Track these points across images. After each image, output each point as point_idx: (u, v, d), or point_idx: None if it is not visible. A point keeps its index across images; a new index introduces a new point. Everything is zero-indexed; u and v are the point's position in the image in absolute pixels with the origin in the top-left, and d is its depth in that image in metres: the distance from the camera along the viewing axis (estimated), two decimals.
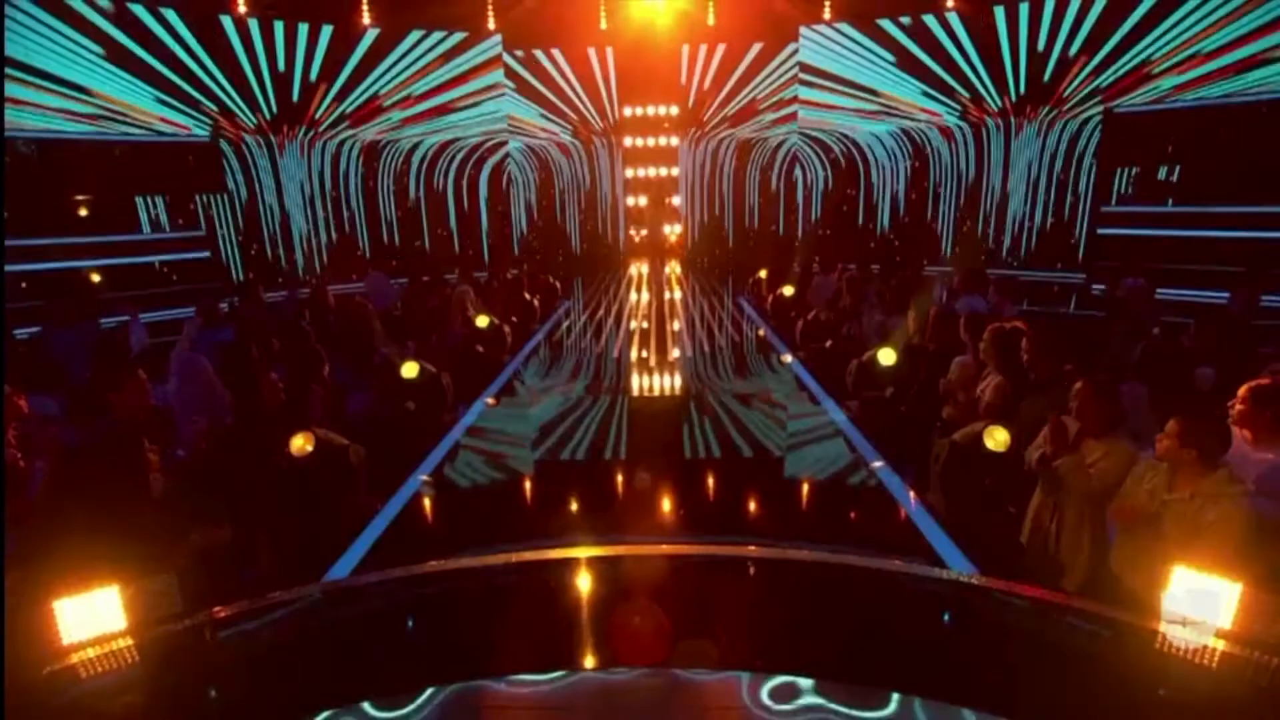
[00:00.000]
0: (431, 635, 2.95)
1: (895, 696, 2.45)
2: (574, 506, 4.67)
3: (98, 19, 9.44)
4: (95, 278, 9.90)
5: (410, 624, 3.06)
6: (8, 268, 8.69)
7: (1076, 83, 10.75)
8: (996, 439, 3.60)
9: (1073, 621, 2.81)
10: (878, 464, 4.96)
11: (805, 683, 2.56)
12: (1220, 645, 2.50)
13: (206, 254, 11.18)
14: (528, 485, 5.17)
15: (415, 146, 12.92)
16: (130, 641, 2.69)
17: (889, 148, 12.96)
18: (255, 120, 11.34)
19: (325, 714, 2.44)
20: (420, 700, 2.50)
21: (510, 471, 5.38)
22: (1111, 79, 10.40)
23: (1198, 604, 2.58)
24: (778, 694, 2.55)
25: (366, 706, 2.47)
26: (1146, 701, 2.36)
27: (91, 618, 2.71)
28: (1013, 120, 11.55)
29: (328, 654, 2.80)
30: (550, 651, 2.69)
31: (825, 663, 2.61)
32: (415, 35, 11.96)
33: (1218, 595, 2.57)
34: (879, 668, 2.60)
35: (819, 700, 2.49)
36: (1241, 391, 3.36)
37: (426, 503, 4.73)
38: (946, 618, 3.02)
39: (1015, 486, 3.78)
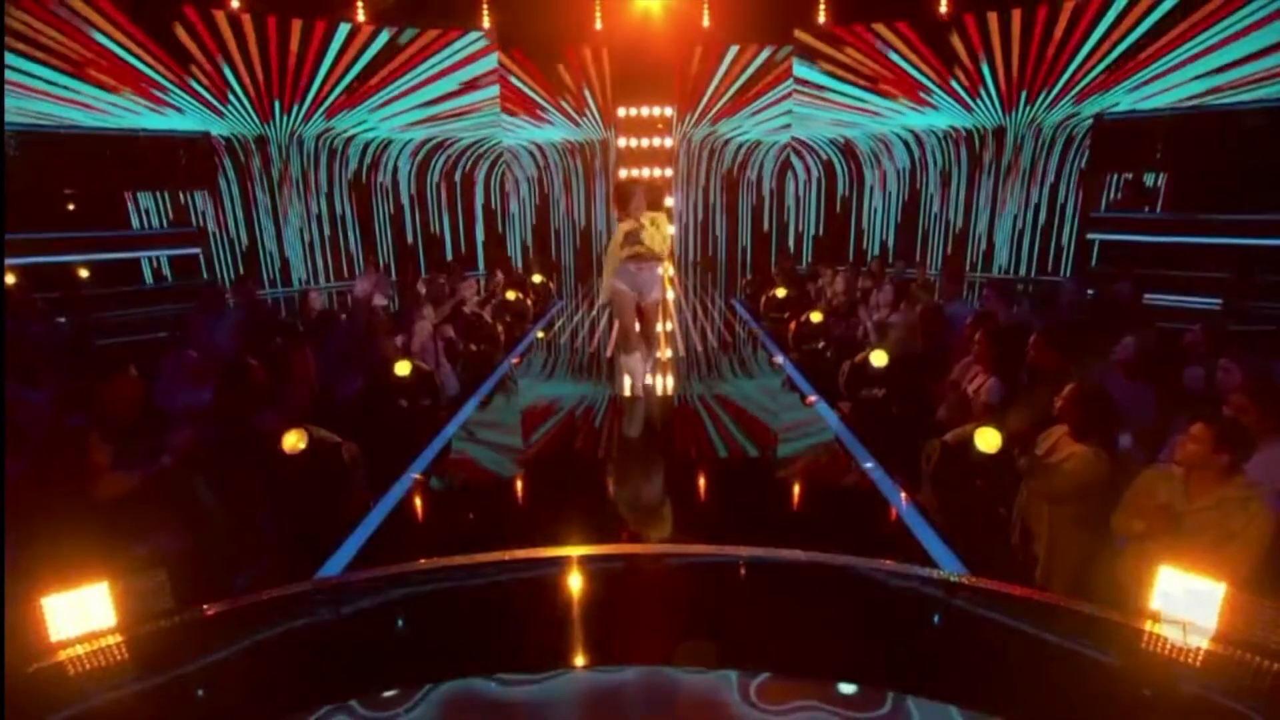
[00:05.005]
0: (425, 633, 2.95)
1: (888, 695, 2.47)
2: (564, 506, 4.67)
3: (89, 10, 9.38)
4: (83, 273, 9.84)
5: (403, 622, 3.06)
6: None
7: (1072, 87, 10.85)
8: (988, 440, 3.63)
9: (1061, 621, 2.83)
10: (869, 465, 4.98)
11: (798, 682, 2.57)
12: (1209, 646, 2.53)
13: (198, 250, 11.12)
14: (518, 484, 5.17)
15: (408, 145, 12.88)
16: (119, 638, 2.69)
17: (882, 151, 13.02)
18: (249, 117, 11.29)
19: (317, 712, 2.43)
20: (413, 698, 2.50)
21: (501, 470, 5.38)
22: (1101, 85, 10.51)
23: (1187, 605, 2.61)
24: (770, 692, 2.57)
25: (359, 704, 2.47)
26: (1135, 702, 2.39)
27: (80, 614, 2.69)
28: (1005, 125, 11.63)
29: (320, 652, 2.79)
30: (544, 650, 2.70)
31: (817, 662, 2.63)
32: (410, 34, 11.94)
33: (1207, 596, 2.60)
34: (871, 667, 2.62)
35: (811, 699, 2.50)
36: (1239, 395, 3.39)
37: (419, 501, 4.72)
38: (936, 618, 3.04)
39: (1006, 488, 3.81)
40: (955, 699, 2.45)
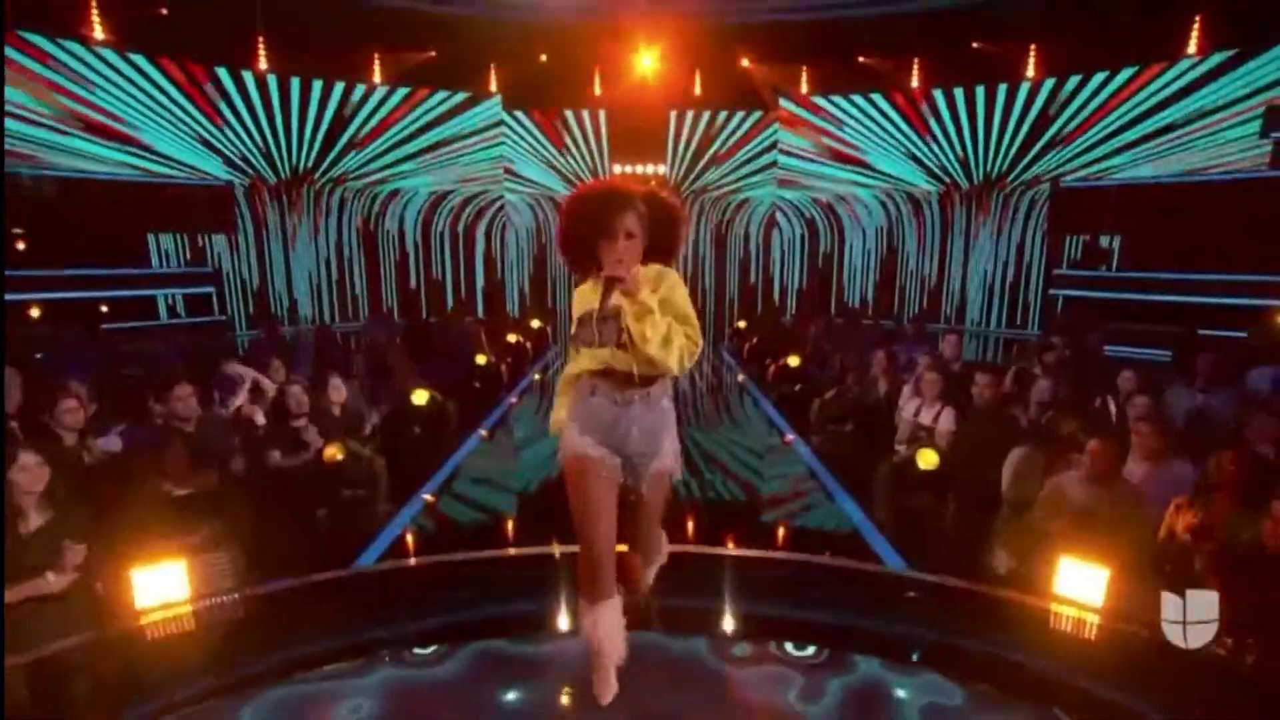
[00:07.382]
0: (452, 609, 3.51)
1: (825, 651, 3.08)
2: (555, 522, 5.18)
3: (124, 65, 10.24)
4: (103, 309, 10.42)
5: (426, 602, 3.60)
6: (20, 296, 9.26)
7: (1029, 159, 11.88)
8: (927, 459, 4.25)
9: (986, 603, 3.44)
10: (836, 488, 5.57)
11: (765, 646, 3.16)
12: (1101, 622, 3.14)
13: (211, 289, 11.77)
14: (514, 503, 5.70)
15: (415, 196, 13.73)
16: (191, 608, 3.24)
17: (861, 212, 13.96)
18: (267, 169, 12.11)
19: (363, 661, 2.99)
20: (445, 653, 3.07)
21: (500, 493, 5.92)
22: (1059, 158, 11.56)
23: (1083, 587, 3.24)
24: (740, 653, 3.17)
25: (406, 654, 3.05)
26: (1041, 669, 2.98)
27: (159, 587, 3.24)
28: (975, 189, 12.61)
29: (363, 620, 3.35)
30: (548, 622, 3.29)
31: (779, 632, 3.22)
32: (422, 94, 12.87)
33: (1098, 579, 3.22)
34: (829, 635, 3.21)
35: (772, 652, 3.09)
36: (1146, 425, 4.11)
37: (433, 512, 5.25)
38: (884, 601, 3.64)
39: (944, 499, 4.46)
40: (888, 657, 3.05)
